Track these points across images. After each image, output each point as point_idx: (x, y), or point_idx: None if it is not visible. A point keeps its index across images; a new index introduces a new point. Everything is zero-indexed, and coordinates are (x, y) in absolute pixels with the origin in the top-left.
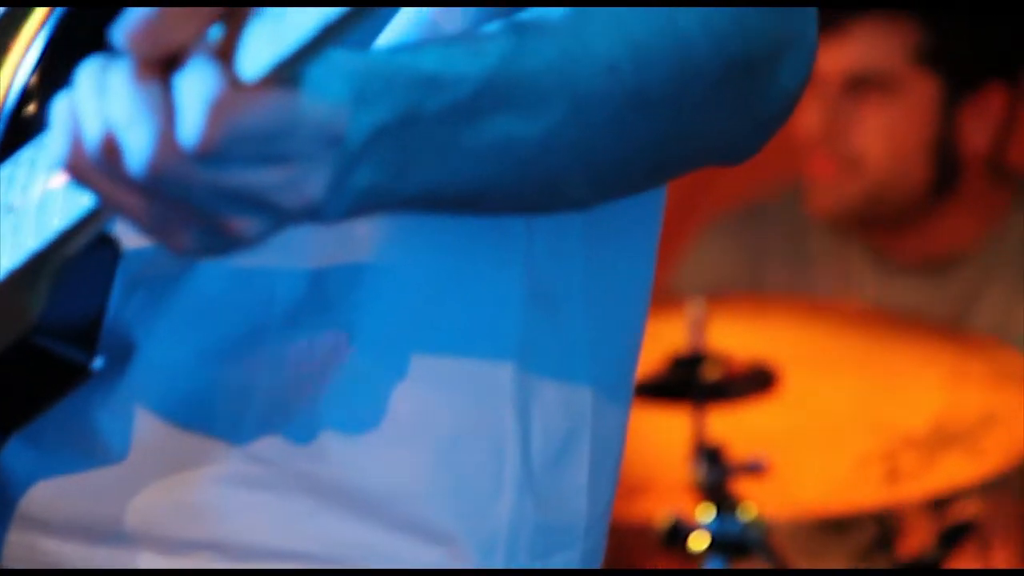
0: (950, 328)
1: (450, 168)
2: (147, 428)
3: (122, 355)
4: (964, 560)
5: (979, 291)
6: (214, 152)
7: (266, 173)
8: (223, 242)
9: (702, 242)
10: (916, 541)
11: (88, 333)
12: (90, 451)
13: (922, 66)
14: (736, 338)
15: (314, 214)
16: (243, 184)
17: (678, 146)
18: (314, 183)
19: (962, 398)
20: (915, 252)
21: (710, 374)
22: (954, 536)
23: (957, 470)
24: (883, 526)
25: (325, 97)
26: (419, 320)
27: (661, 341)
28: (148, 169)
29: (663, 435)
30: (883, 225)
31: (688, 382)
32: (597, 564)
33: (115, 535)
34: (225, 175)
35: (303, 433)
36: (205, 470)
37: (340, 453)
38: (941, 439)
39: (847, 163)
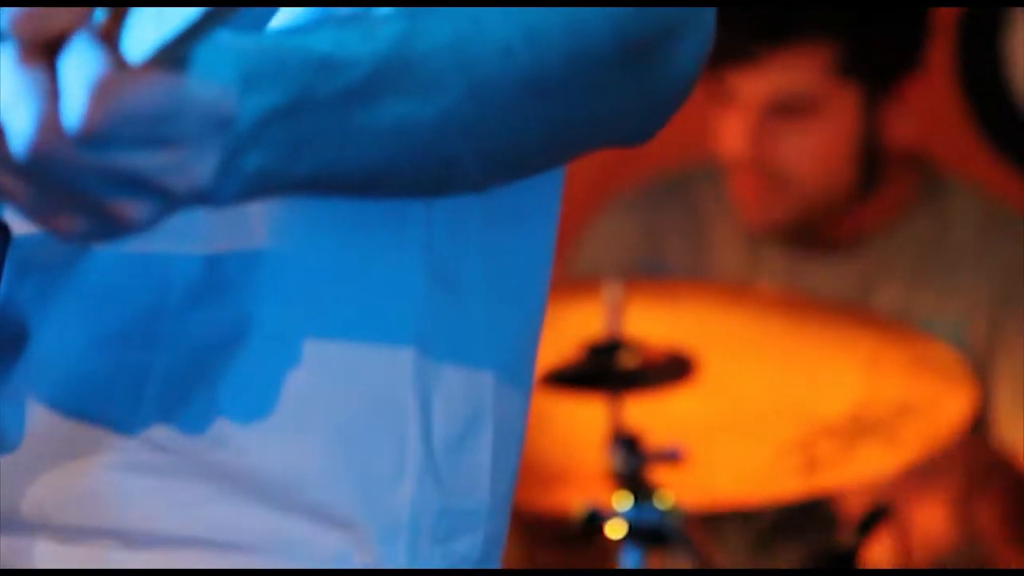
0: (866, 314)
1: (343, 151)
2: (41, 415)
3: (13, 342)
4: (881, 545)
5: (882, 275)
6: (97, 134)
7: (152, 156)
8: (111, 227)
9: (604, 221)
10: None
11: None
12: None
13: (840, 78)
14: (652, 324)
15: (203, 197)
16: (128, 167)
17: (575, 128)
18: (202, 166)
19: (879, 385)
20: (825, 236)
21: (627, 361)
22: (871, 522)
23: (875, 459)
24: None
25: (212, 79)
26: (318, 305)
27: (575, 327)
28: (30, 151)
29: (579, 423)
30: (809, 228)
31: (605, 370)
32: (500, 548)
33: (11, 523)
34: (110, 158)
35: (200, 419)
36: (101, 457)
37: (238, 439)
38: (859, 428)
39: (776, 181)
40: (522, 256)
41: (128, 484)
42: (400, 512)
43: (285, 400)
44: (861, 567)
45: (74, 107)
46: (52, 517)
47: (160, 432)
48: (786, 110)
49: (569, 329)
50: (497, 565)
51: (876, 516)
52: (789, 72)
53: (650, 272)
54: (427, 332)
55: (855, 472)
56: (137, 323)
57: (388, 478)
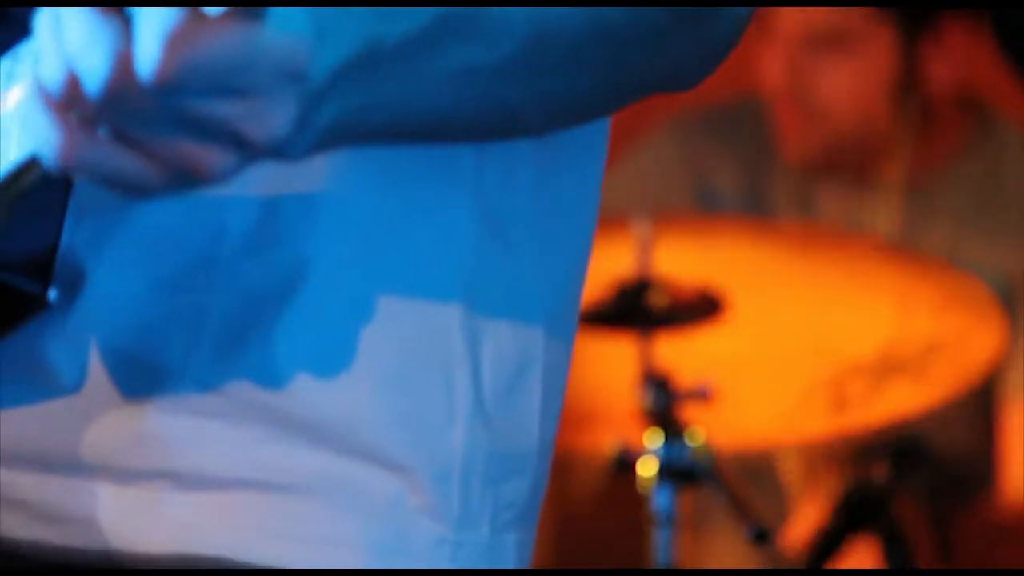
0: (900, 249)
1: (411, 100)
2: (99, 358)
3: (72, 285)
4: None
5: (931, 215)
6: (171, 83)
7: (227, 105)
8: (186, 177)
9: (644, 152)
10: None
11: (42, 264)
12: (42, 382)
13: (876, 14)
14: (682, 262)
15: (280, 149)
16: (203, 115)
17: (632, 76)
18: (278, 117)
19: (909, 322)
20: (876, 175)
21: (656, 300)
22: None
23: (905, 397)
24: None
25: (287, 31)
26: (371, 250)
27: (606, 265)
28: (105, 93)
29: (609, 363)
30: (855, 165)
31: (634, 309)
32: (543, 490)
33: (68, 465)
34: (184, 106)
35: (255, 363)
36: (157, 400)
37: (292, 382)
38: (888, 365)
39: (813, 115)
40: (571, 202)
41: (184, 426)
42: (451, 455)
43: (338, 345)
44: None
45: (148, 55)
46: (109, 459)
47: (215, 375)
48: (823, 43)
49: (598, 268)
50: (539, 506)
51: (906, 451)
52: (828, 8)
53: (702, 203)
54: (477, 278)
55: (884, 410)
56: (193, 268)
57: (439, 422)
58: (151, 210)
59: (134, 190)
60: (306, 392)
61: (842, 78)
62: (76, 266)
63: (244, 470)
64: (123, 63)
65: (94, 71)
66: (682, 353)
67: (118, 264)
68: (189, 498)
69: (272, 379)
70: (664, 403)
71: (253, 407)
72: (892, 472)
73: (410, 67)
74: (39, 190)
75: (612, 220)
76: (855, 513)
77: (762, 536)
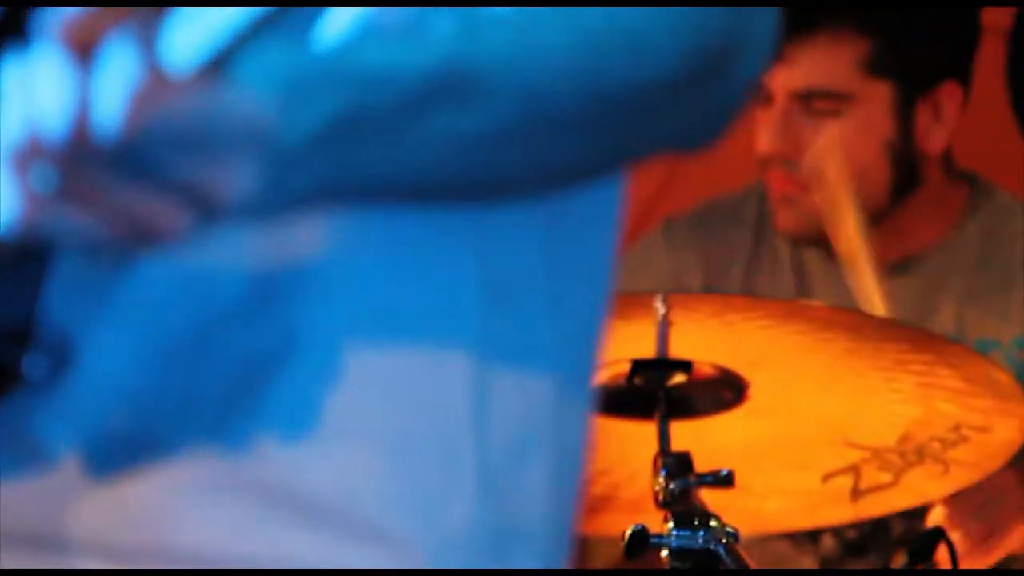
0: (919, 334)
1: (394, 165)
2: (88, 434)
3: (61, 361)
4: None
5: (935, 294)
6: (131, 142)
7: (189, 165)
8: (147, 237)
9: (652, 241)
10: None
11: (20, 337)
12: (31, 459)
13: (873, 75)
14: (699, 344)
15: (250, 210)
16: (164, 172)
17: (634, 139)
18: (241, 179)
19: (931, 408)
20: (874, 254)
21: (675, 382)
22: (926, 545)
23: (926, 484)
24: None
25: (257, 93)
26: (367, 317)
27: (622, 346)
28: (64, 149)
29: (626, 445)
30: None
31: (652, 390)
32: (558, 566)
33: (61, 544)
34: (144, 163)
35: (248, 437)
36: (148, 476)
37: (288, 456)
38: (910, 451)
39: (809, 181)
40: (584, 268)
41: (174, 502)
42: (455, 530)
43: (336, 415)
44: None
45: (110, 114)
46: (100, 536)
47: (206, 450)
48: (817, 103)
49: (616, 348)
50: None
51: (931, 539)
52: (819, 66)
53: (703, 293)
54: (484, 344)
55: (905, 497)
56: (184, 341)
57: (443, 495)
58: (140, 284)
59: (92, 248)
60: (303, 466)
61: (836, 138)
62: (66, 340)
63: (237, 548)
64: (83, 120)
65: (54, 129)
66: (700, 437)
67: (109, 339)
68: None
69: (266, 453)
70: (682, 488)
71: (246, 483)
72: (912, 562)
73: (392, 134)
74: (15, 262)
75: (631, 299)
76: None
77: None
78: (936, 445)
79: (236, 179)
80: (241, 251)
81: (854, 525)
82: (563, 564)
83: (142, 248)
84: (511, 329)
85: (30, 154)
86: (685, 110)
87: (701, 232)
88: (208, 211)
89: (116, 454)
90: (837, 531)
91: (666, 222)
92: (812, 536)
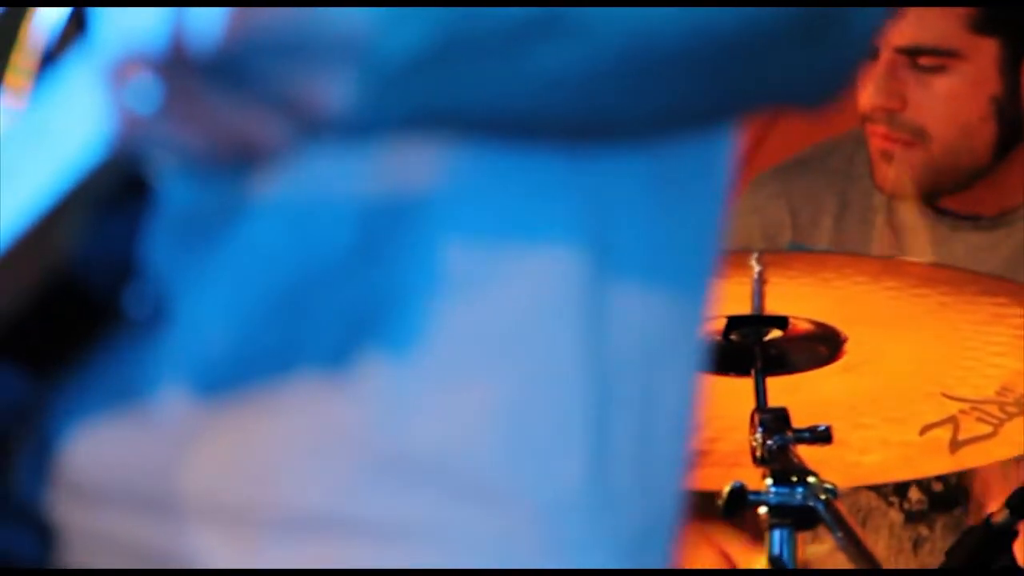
0: (1017, 288)
1: (495, 99)
2: (192, 386)
3: (163, 314)
4: None
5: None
6: (231, 49)
7: (287, 74)
8: (247, 150)
9: (747, 197)
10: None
11: (123, 274)
12: (138, 414)
13: (979, 32)
14: (798, 300)
15: (349, 130)
16: (262, 81)
17: (741, 91)
18: (338, 92)
19: None
20: (970, 209)
21: (772, 338)
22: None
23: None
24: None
25: (355, 10)
26: (475, 272)
27: (717, 302)
28: (164, 57)
29: (724, 401)
30: (947, 191)
31: (750, 347)
32: (665, 530)
33: (170, 502)
34: (243, 72)
35: (353, 393)
36: (262, 430)
37: (394, 413)
38: (1007, 404)
39: (911, 136)
40: (690, 230)
41: (292, 460)
42: (566, 488)
43: (443, 372)
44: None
45: (210, 19)
46: (215, 494)
47: (311, 406)
48: (922, 60)
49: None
50: (660, 545)
51: None
52: (925, 23)
53: (797, 250)
54: (593, 304)
55: (1005, 447)
56: (292, 289)
57: (554, 451)
58: (247, 229)
59: (192, 168)
60: (410, 422)
61: (942, 95)
62: (167, 293)
63: (351, 510)
64: (180, 32)
65: (153, 38)
66: (798, 392)
67: (212, 292)
68: (289, 536)
69: (370, 411)
70: (780, 443)
71: (358, 440)
72: (1011, 513)
73: (493, 65)
74: (119, 196)
75: (727, 257)
76: (974, 555)
77: None
78: None
79: (334, 92)
80: (348, 186)
81: (940, 478)
82: (671, 522)
83: (243, 166)
84: (619, 290)
85: (128, 70)
86: (799, 62)
87: (789, 185)
88: (307, 125)
89: (219, 407)
90: (923, 484)
91: (756, 179)
92: (899, 489)
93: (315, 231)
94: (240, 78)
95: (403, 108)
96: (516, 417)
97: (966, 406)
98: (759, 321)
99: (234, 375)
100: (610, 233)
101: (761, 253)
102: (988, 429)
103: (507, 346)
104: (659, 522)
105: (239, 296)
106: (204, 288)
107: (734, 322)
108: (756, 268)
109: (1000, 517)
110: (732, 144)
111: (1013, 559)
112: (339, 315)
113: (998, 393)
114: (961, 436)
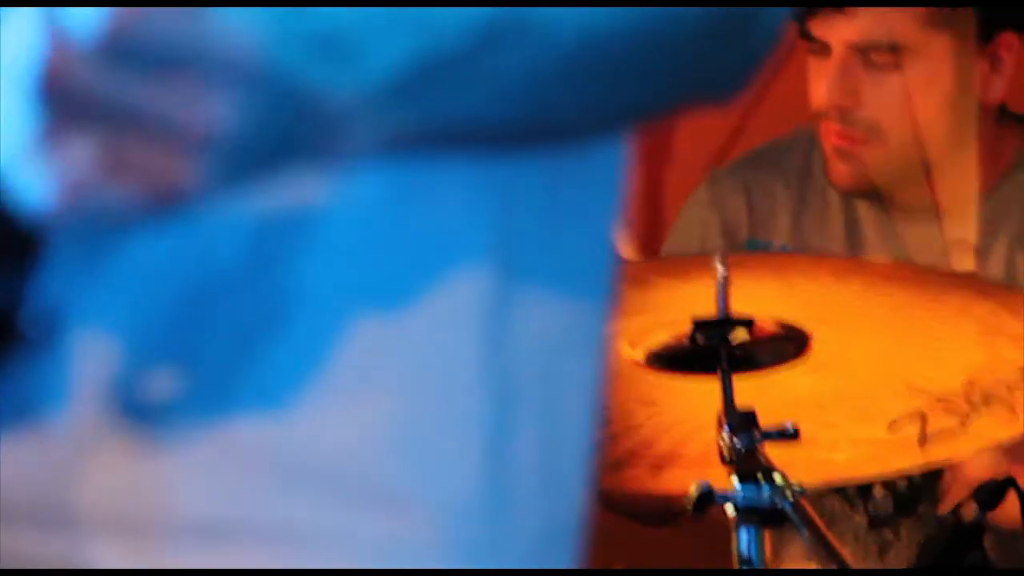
0: (980, 282)
1: (455, 110)
2: (88, 403)
3: (54, 332)
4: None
5: (986, 239)
6: (113, 50)
7: (170, 89)
8: (164, 191)
9: (705, 190)
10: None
11: (17, 299)
12: (36, 431)
13: (933, 29)
14: (762, 300)
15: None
16: (146, 96)
17: (671, 83)
18: (216, 113)
19: (995, 354)
20: (924, 202)
21: (737, 339)
22: (994, 493)
23: (992, 429)
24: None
25: (245, 23)
26: (371, 274)
27: (685, 304)
28: (46, 65)
29: (690, 403)
30: (901, 187)
31: (715, 348)
32: (573, 527)
33: (67, 515)
34: (129, 81)
35: (249, 401)
36: (151, 444)
37: (286, 419)
38: (975, 397)
39: (866, 133)
40: (586, 231)
41: (183, 471)
42: (462, 492)
43: (338, 377)
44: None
45: (88, 21)
46: (110, 507)
47: (207, 416)
48: (875, 58)
49: (679, 304)
50: (567, 545)
51: (1000, 487)
52: (878, 20)
53: (756, 250)
54: (494, 310)
55: (972, 443)
56: (183, 302)
57: (450, 460)
58: (141, 245)
59: (124, 218)
60: (301, 428)
61: (896, 91)
62: (57, 312)
63: (245, 516)
64: (61, 33)
65: (35, 47)
66: (764, 392)
67: (106, 303)
68: (187, 546)
69: (266, 417)
70: (747, 443)
71: (250, 448)
72: (979, 507)
73: (457, 77)
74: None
75: (691, 259)
76: (945, 551)
77: None
78: (1003, 389)
79: (211, 113)
80: (240, 206)
81: (905, 478)
82: (578, 518)
83: (165, 209)
84: (521, 287)
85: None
86: (716, 58)
87: (747, 180)
88: (198, 152)
89: (117, 422)
90: (887, 482)
91: (711, 174)
92: (863, 491)
93: (209, 245)
94: (126, 84)
95: (373, 134)
96: (413, 424)
97: (932, 400)
98: (725, 323)
99: (130, 390)
100: (514, 239)
101: (725, 255)
102: (955, 422)
103: (407, 356)
104: (565, 523)
105: (134, 312)
106: (100, 305)
107: (700, 325)
108: (721, 271)
109: (968, 511)
110: (625, 148)
111: (984, 555)
112: (234, 328)
113: (964, 386)
114: (929, 429)
